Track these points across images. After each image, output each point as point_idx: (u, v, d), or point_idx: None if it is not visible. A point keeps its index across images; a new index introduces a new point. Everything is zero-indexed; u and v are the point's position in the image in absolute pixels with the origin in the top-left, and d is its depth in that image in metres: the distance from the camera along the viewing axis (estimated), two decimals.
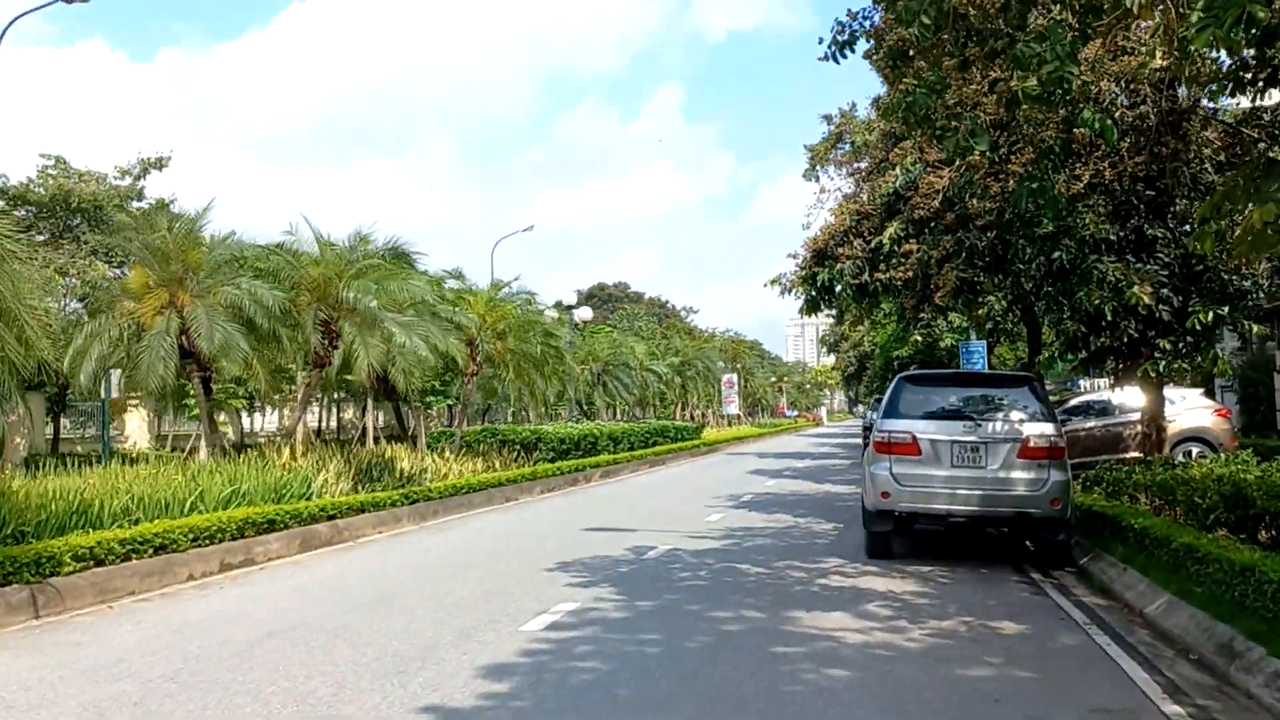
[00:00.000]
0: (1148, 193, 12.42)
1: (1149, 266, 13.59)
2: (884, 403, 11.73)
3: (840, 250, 15.15)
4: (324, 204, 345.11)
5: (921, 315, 26.85)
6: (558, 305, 30.73)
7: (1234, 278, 13.68)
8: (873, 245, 14.78)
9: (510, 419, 41.79)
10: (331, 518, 13.60)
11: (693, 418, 63.55)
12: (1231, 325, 14.38)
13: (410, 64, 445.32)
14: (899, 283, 14.28)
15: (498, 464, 22.02)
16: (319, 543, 13.09)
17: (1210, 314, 13.31)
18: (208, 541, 11.09)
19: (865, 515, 11.61)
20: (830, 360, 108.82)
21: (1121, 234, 13.41)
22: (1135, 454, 19.80)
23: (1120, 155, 11.78)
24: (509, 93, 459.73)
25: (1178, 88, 10.84)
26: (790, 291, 16.47)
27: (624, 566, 11.21)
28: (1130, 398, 20.35)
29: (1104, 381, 41.70)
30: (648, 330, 65.84)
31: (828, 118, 20.91)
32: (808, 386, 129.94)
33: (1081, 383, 43.92)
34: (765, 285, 16.80)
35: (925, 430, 11.03)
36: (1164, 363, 14.34)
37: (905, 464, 11.03)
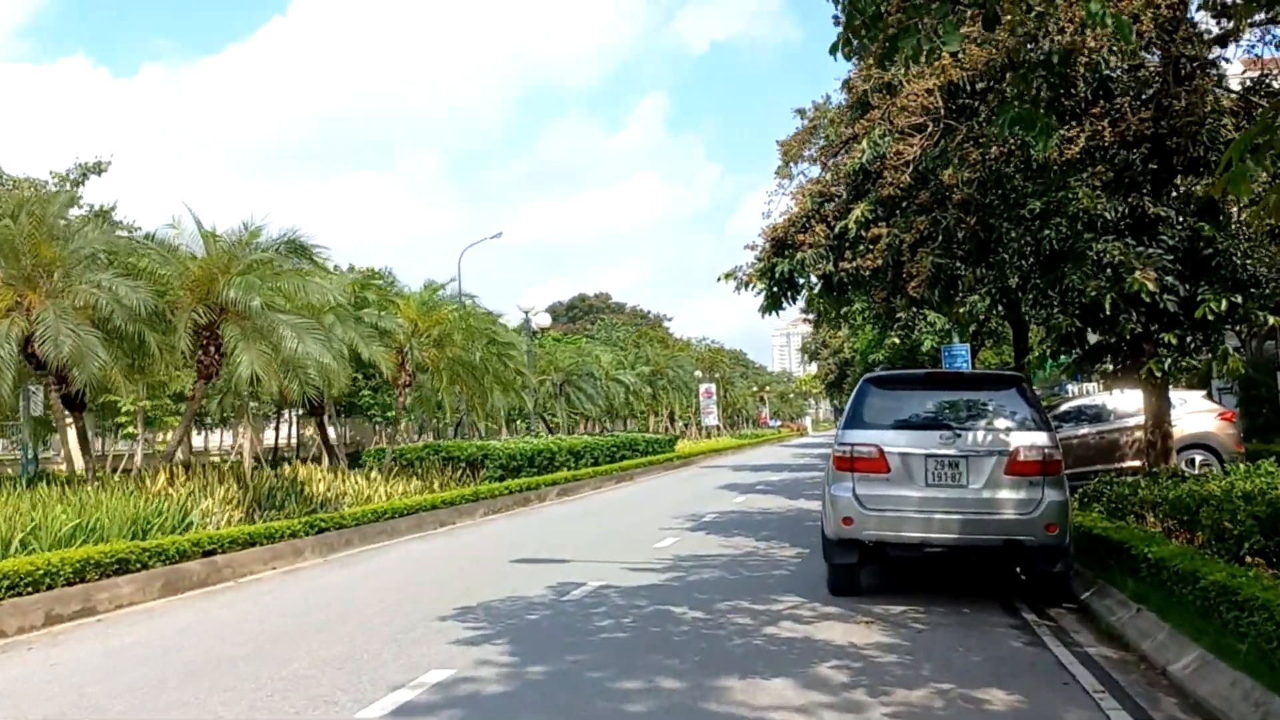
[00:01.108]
0: (1150, 165, 10.61)
1: (1151, 250, 11.80)
2: (846, 410, 9.89)
3: (801, 237, 13.31)
4: (307, 218, 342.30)
5: (897, 314, 25.08)
6: (524, 317, 28.72)
7: (1248, 262, 11.91)
8: (837, 231, 12.96)
9: (482, 433, 39.94)
10: (209, 553, 11.66)
11: (669, 429, 61.70)
12: (1244, 317, 12.57)
13: (391, 79, 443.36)
14: (867, 272, 12.46)
15: (437, 484, 20.09)
16: (190, 584, 11.14)
17: (1223, 303, 11.55)
18: (30, 589, 9.14)
19: (825, 545, 9.74)
20: (813, 369, 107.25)
21: (1120, 211, 11.62)
22: (1133, 463, 18.05)
23: (1122, 112, 10.00)
24: (492, 106, 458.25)
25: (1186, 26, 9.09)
26: (747, 287, 14.61)
27: (536, 612, 9.31)
28: (1125, 401, 18.63)
29: (1093, 385, 40.08)
30: (625, 339, 63.92)
31: (801, 111, 19.20)
32: (791, 396, 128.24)
33: (1069, 387, 42.26)
34: (719, 280, 14.95)
35: (894, 443, 9.19)
36: (1169, 360, 12.56)
37: (871, 483, 9.19)
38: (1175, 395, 17.52)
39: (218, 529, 12.48)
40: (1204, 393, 20.11)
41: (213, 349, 13.55)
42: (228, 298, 13.29)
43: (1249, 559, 7.69)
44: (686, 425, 70.74)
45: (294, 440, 45.80)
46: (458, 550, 14.46)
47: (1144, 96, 10.08)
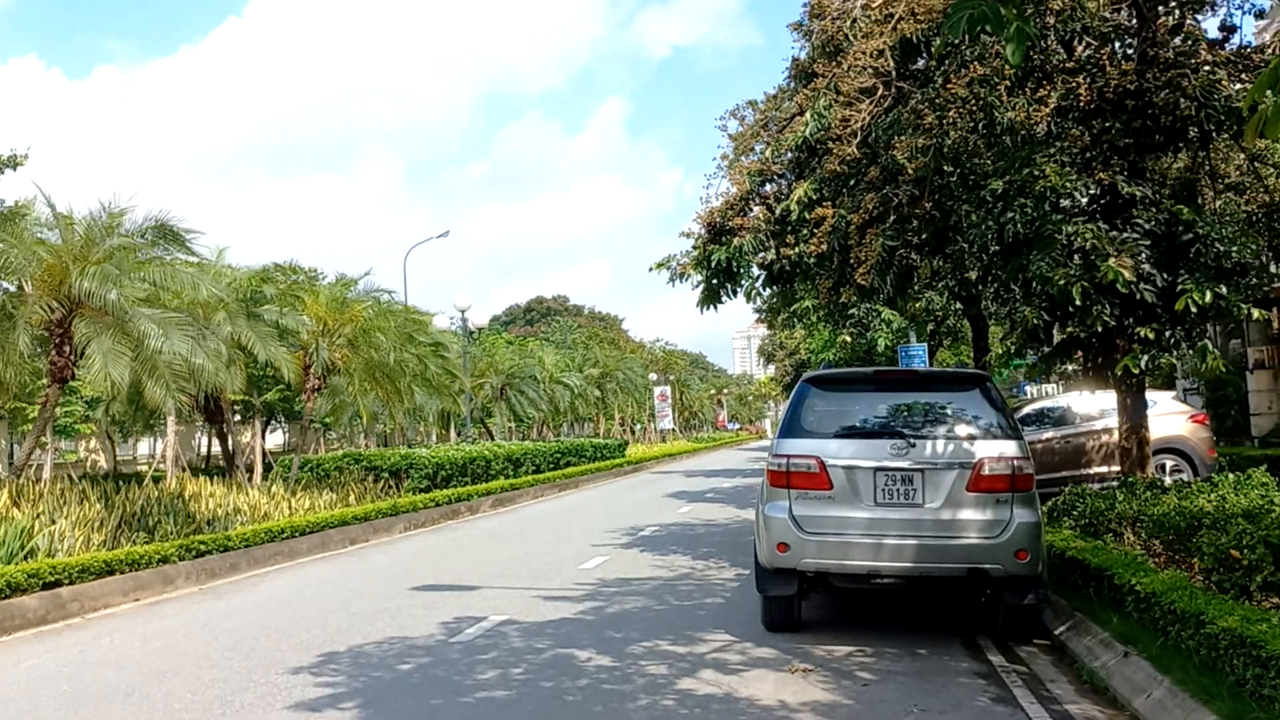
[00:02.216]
0: (1133, 126, 9.26)
1: (1127, 235, 10.51)
2: (783, 416, 8.46)
3: (738, 221, 11.89)
4: (266, 220, 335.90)
5: (849, 310, 23.73)
6: (460, 316, 26.99)
7: (1233, 249, 10.66)
8: (778, 213, 11.55)
9: (433, 438, 38.05)
10: (51, 585, 10.01)
11: (625, 433, 60.23)
12: (1226, 309, 11.30)
13: (350, 82, 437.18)
14: (811, 259, 11.05)
15: (353, 497, 18.44)
16: (22, 623, 9.50)
17: (1207, 294, 10.25)
18: None
19: (758, 574, 8.30)
20: (771, 371, 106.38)
21: (1092, 190, 10.32)
22: (1100, 469, 16.89)
23: (1100, 65, 8.67)
24: (452, 110, 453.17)
25: None
26: (682, 278, 13.14)
27: (412, 659, 7.78)
28: (1089, 403, 17.45)
29: (1051, 387, 39.11)
30: (575, 341, 62.27)
31: (753, 103, 17.79)
32: (750, 399, 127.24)
33: (1027, 389, 41.33)
34: (651, 269, 13.46)
35: (838, 454, 7.78)
36: (1146, 357, 11.29)
37: (810, 502, 7.76)
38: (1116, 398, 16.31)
39: (70, 555, 10.79)
40: (1174, 393, 18.97)
41: (66, 348, 11.85)
42: (82, 289, 11.59)
43: (1258, 595, 6.36)
44: (643, 429, 69.28)
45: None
46: (357, 574, 12.86)
47: (1126, 46, 8.75)
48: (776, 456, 7.96)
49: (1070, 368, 32.92)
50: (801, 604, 8.52)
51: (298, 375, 17.13)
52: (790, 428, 8.10)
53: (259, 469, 24.50)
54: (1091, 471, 16.65)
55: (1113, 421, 17.00)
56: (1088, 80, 8.77)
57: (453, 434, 38.62)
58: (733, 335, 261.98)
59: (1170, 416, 16.90)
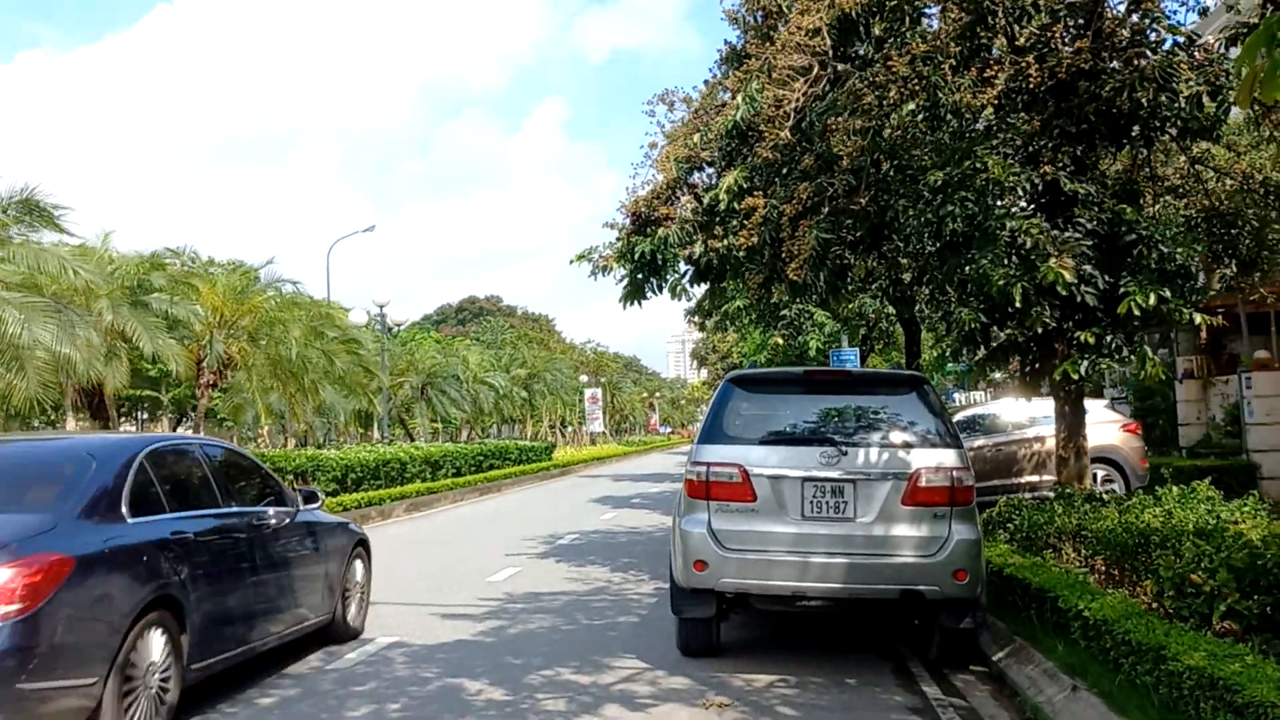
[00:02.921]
0: (1076, 125, 8.69)
1: (1069, 234, 9.98)
2: (704, 419, 7.69)
3: (664, 210, 11.12)
4: (198, 214, 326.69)
5: (781, 311, 23.18)
6: (379, 311, 25.69)
7: (1177, 251, 10.18)
8: (706, 203, 10.81)
9: (356, 438, 36.57)
10: None
11: (555, 436, 59.20)
12: (1167, 314, 10.84)
13: (285, 74, 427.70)
14: (740, 253, 10.33)
15: None
16: None
17: (1151, 296, 9.74)
18: None
19: (674, 594, 7.50)
20: (704, 374, 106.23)
21: (1035, 186, 9.75)
22: (1031, 478, 16.49)
23: (1052, 44, 8.06)
24: (391, 108, 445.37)
25: None
26: (605, 271, 12.33)
27: (275, 691, 6.85)
28: (1020, 411, 17.02)
29: (980, 395, 39.16)
30: (503, 341, 61.05)
31: (687, 99, 17.01)
32: (683, 402, 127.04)
33: (955, 395, 41.36)
34: (571, 262, 12.63)
35: (763, 462, 7.03)
36: (1086, 363, 10.78)
37: (731, 516, 7.00)
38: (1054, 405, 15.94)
39: None
40: (1105, 402, 18.69)
41: None
42: None
43: (1219, 623, 5.75)
44: (574, 432, 68.32)
45: None
46: None
47: (1079, 25, 8.15)
48: (695, 464, 7.19)
49: (998, 375, 32.85)
50: (721, 625, 7.77)
51: (189, 370, 15.91)
52: (711, 433, 7.33)
53: None
54: (1023, 480, 16.24)
55: (1044, 430, 16.63)
56: (1038, 60, 8.16)
57: (376, 435, 37.36)
58: (667, 339, 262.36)
59: (1102, 425, 16.52)
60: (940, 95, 8.09)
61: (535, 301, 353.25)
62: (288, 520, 7.44)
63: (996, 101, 8.17)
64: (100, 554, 5.29)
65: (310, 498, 7.99)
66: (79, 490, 5.55)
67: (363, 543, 8.96)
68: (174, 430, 43.41)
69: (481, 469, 29.02)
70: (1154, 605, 6.49)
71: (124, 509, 5.66)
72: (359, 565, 8.76)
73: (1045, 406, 15.40)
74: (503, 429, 59.54)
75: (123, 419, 47.85)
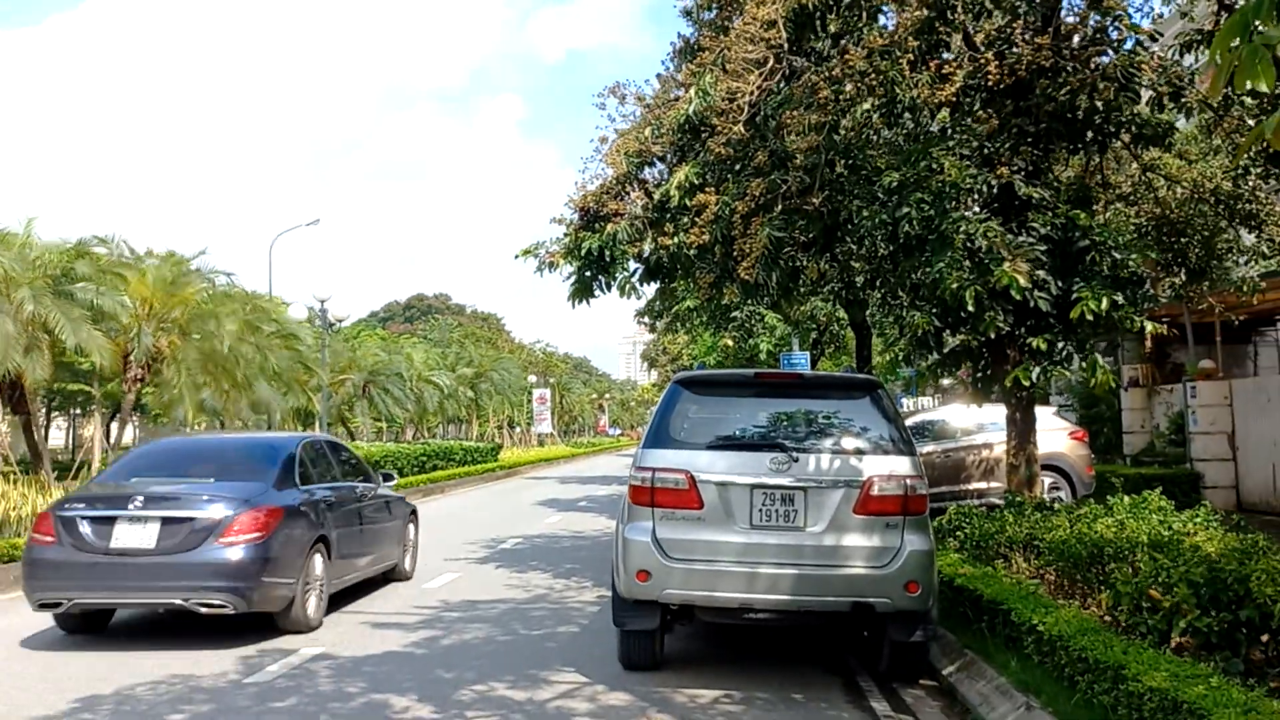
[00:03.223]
0: (1035, 125, 8.50)
1: (1023, 239, 9.83)
2: (650, 422, 7.36)
3: (614, 205, 10.79)
4: (150, 208, 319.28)
5: (731, 312, 22.94)
6: (319, 306, 24.87)
7: (1131, 258, 10.07)
8: (657, 199, 10.49)
9: (349, 434, 35.55)
10: None
11: (502, 436, 58.54)
12: (1118, 321, 10.74)
13: (236, 65, 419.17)
14: (691, 250, 10.04)
15: None
16: None
17: (1104, 302, 9.59)
18: None
19: (615, 605, 7.16)
20: (654, 376, 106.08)
21: (990, 189, 9.58)
22: (979, 485, 16.42)
23: (1011, 39, 7.86)
24: (341, 103, 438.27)
25: None
26: (551, 268, 11.96)
27: (188, 707, 6.39)
28: (968, 416, 16.93)
29: (928, 400, 39.35)
30: (449, 339, 60.18)
31: (640, 98, 16.64)
32: (633, 404, 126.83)
33: (904, 401, 41.55)
34: (517, 257, 12.24)
35: (710, 468, 6.73)
36: (1038, 369, 10.64)
37: (677, 524, 6.68)
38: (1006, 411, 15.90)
39: None
40: (1053, 409, 18.70)
41: None
42: None
43: (1177, 639, 5.55)
44: (524, 432, 67.69)
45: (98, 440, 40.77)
46: None
47: (1037, 23, 7.94)
48: (640, 469, 6.86)
49: (946, 381, 32.97)
50: (665, 637, 7.45)
51: (115, 364, 15.21)
52: (657, 436, 7.00)
53: (95, 465, 22.23)
54: (970, 488, 16.16)
55: (992, 436, 16.57)
56: (997, 57, 7.96)
57: (324, 433, 36.49)
58: (619, 340, 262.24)
59: (1050, 433, 16.45)
60: (898, 91, 7.87)
61: (486, 301, 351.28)
62: (373, 492, 10.82)
63: (954, 99, 7.96)
64: (293, 507, 8.64)
65: (387, 478, 11.54)
66: (274, 468, 8.92)
67: (414, 511, 12.34)
68: (107, 426, 42.15)
69: (424, 470, 28.42)
70: (1109, 619, 6.30)
71: (295, 481, 9.00)
72: (412, 528, 12.01)
73: (993, 413, 15.33)
74: (449, 429, 58.82)
75: (56, 414, 46.39)
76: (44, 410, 42.45)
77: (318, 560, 8.86)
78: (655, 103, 11.95)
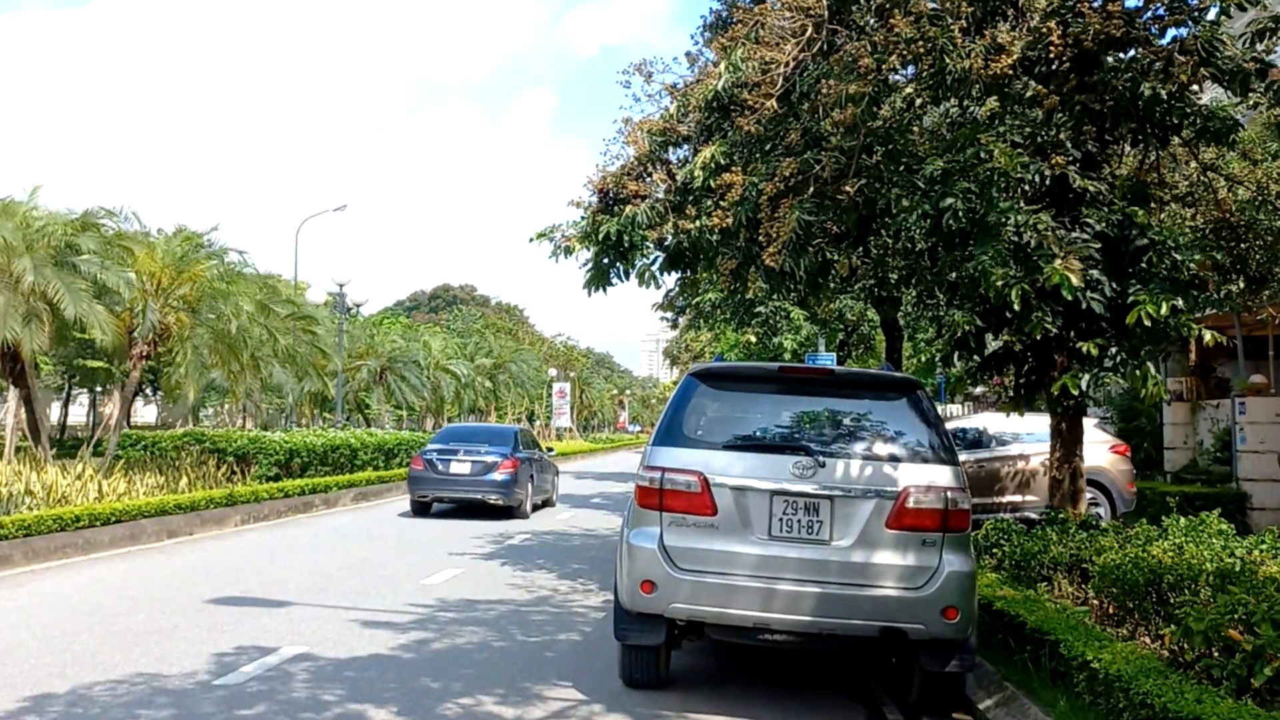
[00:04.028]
0: (1101, 103, 7.74)
1: (1076, 235, 9.08)
2: (662, 417, 6.69)
3: (633, 187, 10.11)
4: (179, 193, 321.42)
5: (756, 309, 22.21)
6: (339, 291, 24.34)
7: (1191, 259, 9.30)
8: (681, 180, 9.81)
9: (321, 424, 35.13)
10: None
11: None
12: (1175, 328, 9.94)
13: (266, 52, 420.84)
14: (714, 235, 9.35)
15: (184, 482, 16.11)
16: None
17: (1163, 305, 8.81)
18: None
19: (618, 617, 6.50)
20: (675, 374, 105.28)
21: (1042, 179, 8.85)
22: (1014, 498, 15.67)
23: (1074, 8, 7.10)
24: (374, 95, 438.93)
25: None
26: (567, 253, 11.30)
27: (146, 712, 5.80)
28: (1004, 426, 16.15)
29: (956, 408, 38.39)
30: (469, 329, 59.62)
31: (671, 89, 15.92)
32: (654, 401, 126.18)
33: None
34: (531, 240, 11.60)
35: (727, 471, 6.06)
36: (1087, 377, 9.91)
37: (688, 531, 6.02)
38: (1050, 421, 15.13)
39: None
40: (1094, 421, 17.86)
41: None
42: None
43: (1258, 686, 4.83)
44: (545, 426, 67.13)
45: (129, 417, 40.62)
46: (155, 577, 10.70)
47: None
48: (649, 469, 6.20)
49: (978, 390, 32.01)
50: (670, 653, 6.79)
51: (119, 340, 14.71)
52: (669, 433, 6.34)
53: (112, 444, 21.88)
54: (1004, 500, 15.41)
55: (1028, 447, 15.80)
56: (1061, 26, 7.21)
57: (341, 418, 36.09)
58: (642, 338, 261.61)
59: (1091, 446, 15.51)
60: (947, 61, 7.13)
61: (512, 293, 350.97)
62: (543, 456, 20.29)
63: (1010, 71, 7.21)
64: (521, 458, 18.26)
65: (549, 450, 22.16)
66: (511, 440, 18.68)
67: (558, 471, 22.19)
68: (129, 404, 41.97)
69: None
70: (1172, 657, 5.58)
71: (520, 448, 18.39)
72: (559, 478, 21.66)
73: (1029, 423, 14.59)
74: (468, 419, 58.33)
75: (79, 391, 46.28)
76: (65, 387, 42.38)
77: (529, 485, 18.45)
78: (686, 91, 11.28)
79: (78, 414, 53.44)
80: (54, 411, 48.40)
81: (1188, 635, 5.20)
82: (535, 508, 19.08)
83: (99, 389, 44.29)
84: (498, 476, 17.57)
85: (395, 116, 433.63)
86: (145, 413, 57.34)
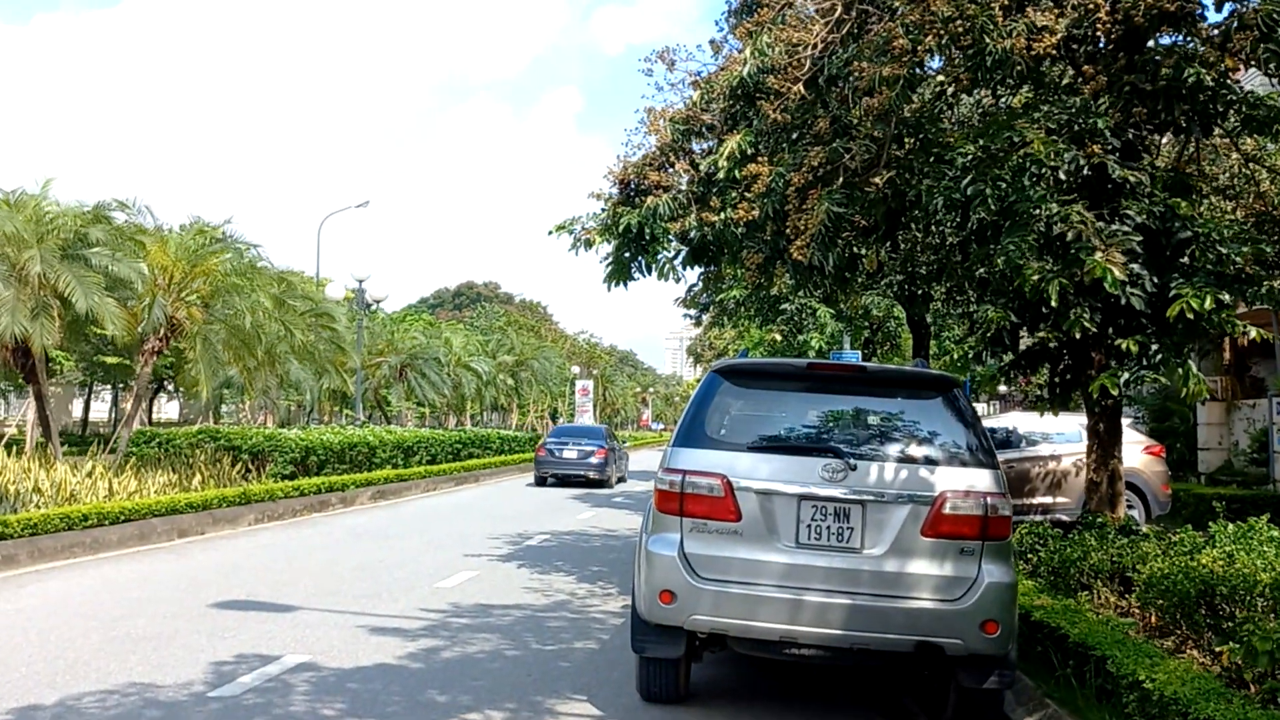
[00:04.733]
0: (1152, 82, 7.30)
1: (1116, 227, 8.66)
2: (682, 416, 6.34)
3: (655, 177, 9.76)
4: (203, 190, 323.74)
5: (782, 306, 21.81)
6: (358, 286, 24.14)
7: (1237, 252, 8.85)
8: (704, 170, 9.46)
9: (343, 421, 35.07)
10: None
11: (543, 426, 57.72)
12: (1219, 324, 9.47)
13: (291, 51, 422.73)
14: (739, 228, 8.98)
15: (197, 480, 15.90)
16: None
17: (1208, 300, 8.37)
18: None
19: (635, 627, 6.15)
20: (699, 372, 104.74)
21: (1077, 169, 8.43)
22: (1044, 500, 15.23)
23: None
24: (399, 93, 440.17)
25: None
26: (587, 246, 10.98)
27: None
28: (1035, 426, 15.71)
29: (981, 407, 37.80)
30: (491, 326, 59.39)
31: (696, 83, 15.53)
32: (677, 400, 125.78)
33: None
34: (550, 233, 11.27)
35: (752, 474, 5.69)
36: (1127, 374, 9.47)
37: (710, 538, 5.66)
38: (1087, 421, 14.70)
39: None
40: (1129, 420, 17.36)
41: None
42: None
43: None
44: (569, 423, 66.81)
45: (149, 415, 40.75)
46: (162, 579, 10.45)
47: None
48: (668, 471, 5.85)
49: (1004, 389, 31.35)
50: (691, 665, 6.44)
51: (130, 334, 14.50)
52: (690, 433, 5.98)
53: (123, 441, 21.77)
54: (1035, 502, 14.97)
55: (1060, 448, 15.35)
56: (1109, 1, 6.80)
57: (360, 415, 35.96)
58: (665, 336, 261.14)
59: (1124, 446, 15.15)
60: (987, 41, 6.73)
61: (536, 290, 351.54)
62: (619, 446, 30.09)
63: (1053, 51, 6.80)
64: (610, 448, 27.16)
65: (623, 441, 39.10)
66: (602, 436, 27.60)
67: (628, 456, 32.78)
68: (149, 402, 42.03)
69: (458, 457, 27.68)
70: (1229, 676, 5.19)
71: (608, 440, 27.44)
72: (628, 463, 31.17)
73: (1059, 422, 14.17)
74: (491, 417, 58.20)
75: (101, 387, 46.40)
76: (88, 384, 42.46)
77: (614, 466, 26.55)
78: (708, 73, 10.91)
79: (101, 410, 53.66)
80: (76, 408, 48.59)
81: (1251, 655, 4.80)
82: (619, 480, 27.76)
83: (120, 385, 44.39)
84: (594, 460, 26.02)
85: (421, 114, 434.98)
86: (169, 409, 57.53)
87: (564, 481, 26.25)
